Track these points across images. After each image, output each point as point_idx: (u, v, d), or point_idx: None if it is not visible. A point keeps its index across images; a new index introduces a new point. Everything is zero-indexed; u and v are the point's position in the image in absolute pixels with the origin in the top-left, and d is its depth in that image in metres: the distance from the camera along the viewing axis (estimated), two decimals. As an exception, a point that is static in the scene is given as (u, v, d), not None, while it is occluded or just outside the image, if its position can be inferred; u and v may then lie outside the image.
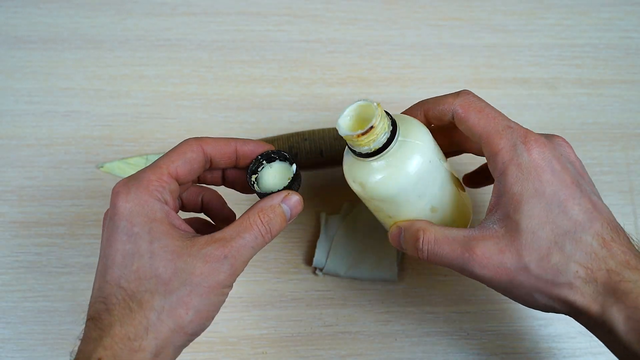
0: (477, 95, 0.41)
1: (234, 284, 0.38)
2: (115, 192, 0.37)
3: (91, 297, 0.37)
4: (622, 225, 0.40)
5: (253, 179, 0.41)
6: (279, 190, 0.40)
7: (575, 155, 0.41)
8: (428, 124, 0.42)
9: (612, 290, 0.36)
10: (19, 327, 0.51)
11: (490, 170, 0.39)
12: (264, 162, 0.42)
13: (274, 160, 0.42)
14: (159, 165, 0.39)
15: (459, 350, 0.51)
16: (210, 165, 0.41)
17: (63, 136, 0.56)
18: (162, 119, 0.57)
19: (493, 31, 0.61)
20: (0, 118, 0.56)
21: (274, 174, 0.42)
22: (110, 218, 0.37)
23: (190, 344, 0.38)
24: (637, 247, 0.38)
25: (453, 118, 0.40)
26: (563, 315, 0.40)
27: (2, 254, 0.53)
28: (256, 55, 0.59)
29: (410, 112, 0.43)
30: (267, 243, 0.39)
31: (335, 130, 0.54)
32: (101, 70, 0.58)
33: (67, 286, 0.52)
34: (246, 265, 0.38)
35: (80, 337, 0.36)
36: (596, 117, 0.58)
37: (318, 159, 0.54)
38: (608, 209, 0.39)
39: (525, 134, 0.38)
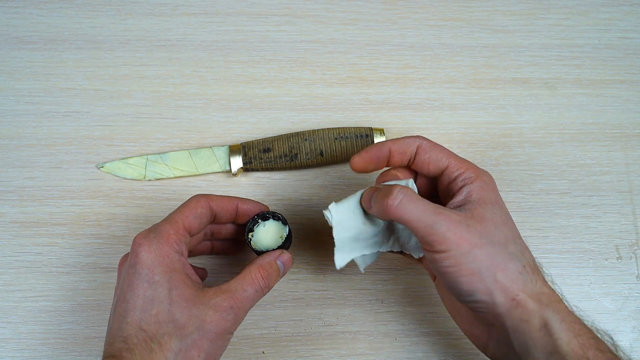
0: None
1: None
2: (138, 244, 0.42)
3: (108, 335, 0.41)
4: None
5: (250, 236, 0.47)
6: (274, 249, 0.46)
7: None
8: (390, 157, 0.45)
9: (547, 295, 0.40)
10: (19, 327, 0.51)
11: (451, 185, 0.44)
12: (260, 220, 0.47)
13: (268, 219, 0.47)
14: (175, 220, 0.43)
15: (458, 350, 0.51)
16: (214, 220, 0.46)
17: (63, 136, 0.56)
18: (162, 119, 0.57)
19: (492, 31, 0.61)
20: (1, 118, 0.56)
21: (267, 231, 0.47)
22: (131, 265, 0.41)
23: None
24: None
25: (416, 151, 0.45)
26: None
27: (3, 254, 0.53)
28: (256, 56, 0.59)
29: (378, 149, 0.45)
30: (265, 295, 0.44)
31: (335, 130, 0.54)
32: (101, 71, 0.58)
33: (67, 286, 0.52)
34: (246, 314, 0.43)
35: None
36: (595, 118, 0.58)
37: (318, 158, 0.54)
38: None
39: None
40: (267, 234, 0.47)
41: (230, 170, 0.54)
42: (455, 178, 0.44)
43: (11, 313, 0.51)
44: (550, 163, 0.57)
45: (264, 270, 0.44)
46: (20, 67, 0.58)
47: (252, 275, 0.43)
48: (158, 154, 0.55)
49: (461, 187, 0.43)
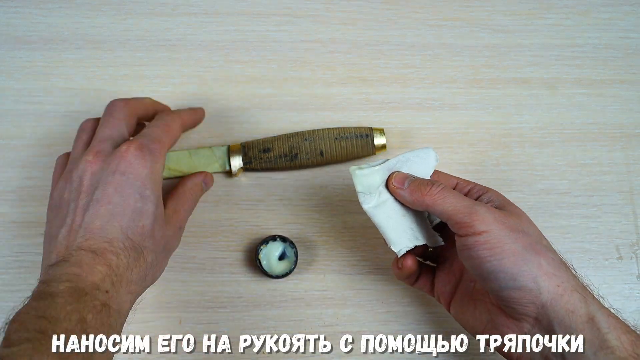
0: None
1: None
2: (134, 154, 0.43)
3: (84, 229, 0.41)
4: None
5: (259, 256, 0.52)
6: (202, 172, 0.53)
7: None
8: None
9: (587, 290, 0.40)
10: (19, 327, 0.51)
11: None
12: (265, 243, 0.52)
13: (275, 240, 0.52)
14: (163, 141, 0.46)
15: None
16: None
17: (63, 136, 0.56)
18: (162, 119, 0.57)
19: (493, 31, 0.61)
20: (1, 118, 0.56)
21: (273, 253, 0.52)
22: (121, 172, 0.42)
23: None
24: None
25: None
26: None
27: (2, 254, 0.53)
28: (256, 55, 0.59)
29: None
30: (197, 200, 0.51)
31: (335, 130, 0.54)
32: (101, 70, 0.58)
33: (67, 286, 0.52)
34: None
35: (60, 260, 0.39)
36: (596, 117, 0.58)
37: (318, 158, 0.54)
38: None
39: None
40: (273, 256, 0.52)
41: (230, 171, 0.54)
42: (469, 191, 0.46)
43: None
44: (551, 163, 0.57)
45: (194, 191, 0.50)
46: (20, 66, 0.58)
47: (186, 196, 0.49)
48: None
49: (480, 196, 0.45)
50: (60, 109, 0.57)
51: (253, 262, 0.52)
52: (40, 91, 0.57)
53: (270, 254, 0.52)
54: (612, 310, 0.40)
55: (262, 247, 0.52)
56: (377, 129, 0.55)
